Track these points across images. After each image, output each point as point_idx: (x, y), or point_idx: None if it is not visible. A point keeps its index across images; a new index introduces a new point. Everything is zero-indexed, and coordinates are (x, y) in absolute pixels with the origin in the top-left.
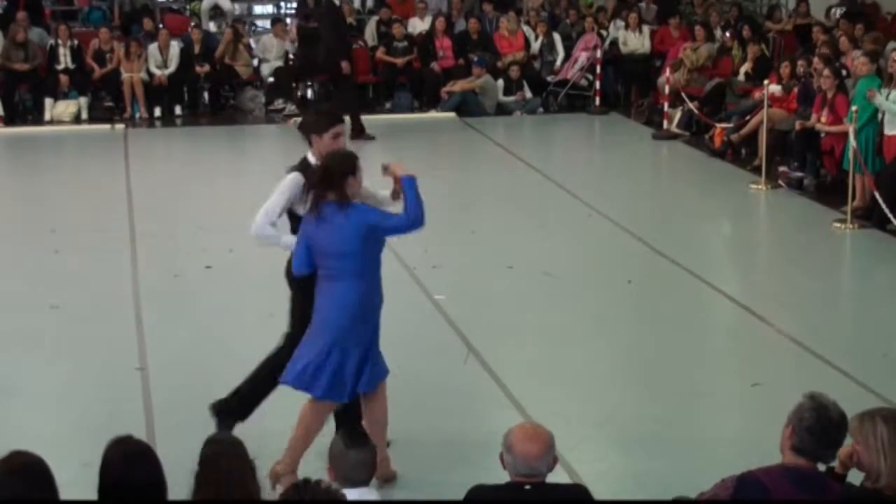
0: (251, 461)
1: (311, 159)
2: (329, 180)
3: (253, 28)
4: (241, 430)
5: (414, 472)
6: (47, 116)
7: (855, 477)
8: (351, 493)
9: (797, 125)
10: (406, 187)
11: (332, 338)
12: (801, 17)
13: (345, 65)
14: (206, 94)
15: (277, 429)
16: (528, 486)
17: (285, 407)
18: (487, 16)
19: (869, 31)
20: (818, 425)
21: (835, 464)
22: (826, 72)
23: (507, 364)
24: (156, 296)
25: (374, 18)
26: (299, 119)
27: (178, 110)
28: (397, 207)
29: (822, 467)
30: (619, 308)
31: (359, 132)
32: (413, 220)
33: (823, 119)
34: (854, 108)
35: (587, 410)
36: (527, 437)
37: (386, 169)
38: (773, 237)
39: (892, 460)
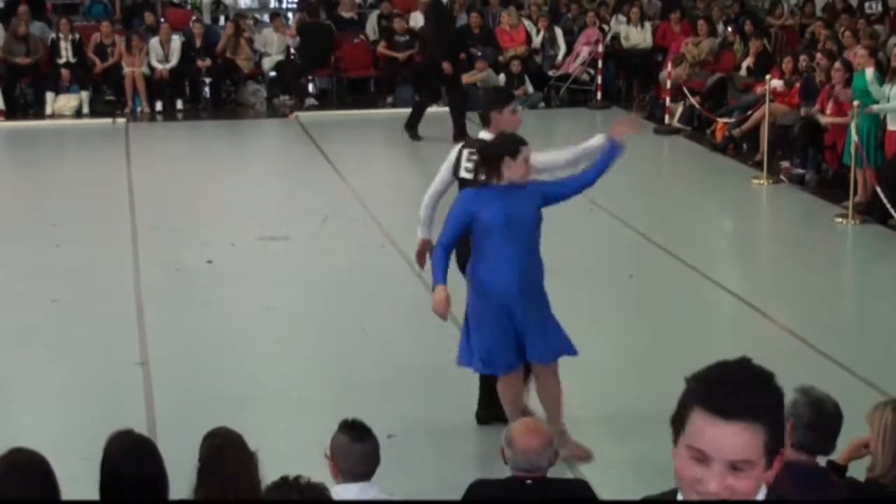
0: (252, 454)
1: (486, 137)
2: (487, 160)
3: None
4: (241, 426)
5: (414, 468)
6: (48, 110)
7: (857, 472)
8: (352, 488)
9: (802, 112)
10: (609, 155)
11: (495, 312)
12: (805, 18)
13: (446, 66)
14: (207, 89)
15: (278, 424)
16: (528, 482)
17: (285, 405)
18: (491, 10)
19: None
20: (817, 420)
21: (834, 456)
22: (837, 64)
23: None
24: (157, 290)
25: (376, 12)
26: (300, 113)
27: (179, 104)
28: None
29: (822, 460)
30: (620, 303)
31: (461, 135)
32: (584, 184)
33: (828, 112)
34: (856, 102)
35: (587, 405)
36: (527, 432)
37: (621, 126)
38: (775, 232)
39: (889, 448)
